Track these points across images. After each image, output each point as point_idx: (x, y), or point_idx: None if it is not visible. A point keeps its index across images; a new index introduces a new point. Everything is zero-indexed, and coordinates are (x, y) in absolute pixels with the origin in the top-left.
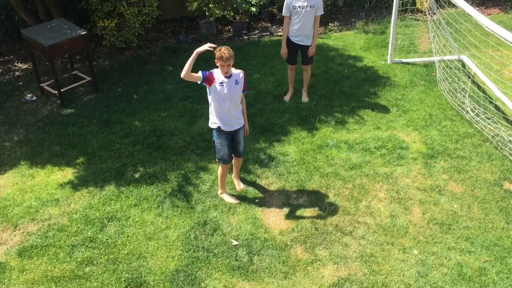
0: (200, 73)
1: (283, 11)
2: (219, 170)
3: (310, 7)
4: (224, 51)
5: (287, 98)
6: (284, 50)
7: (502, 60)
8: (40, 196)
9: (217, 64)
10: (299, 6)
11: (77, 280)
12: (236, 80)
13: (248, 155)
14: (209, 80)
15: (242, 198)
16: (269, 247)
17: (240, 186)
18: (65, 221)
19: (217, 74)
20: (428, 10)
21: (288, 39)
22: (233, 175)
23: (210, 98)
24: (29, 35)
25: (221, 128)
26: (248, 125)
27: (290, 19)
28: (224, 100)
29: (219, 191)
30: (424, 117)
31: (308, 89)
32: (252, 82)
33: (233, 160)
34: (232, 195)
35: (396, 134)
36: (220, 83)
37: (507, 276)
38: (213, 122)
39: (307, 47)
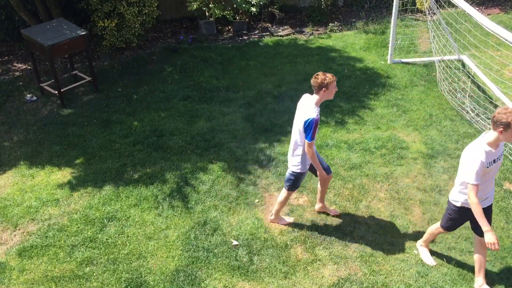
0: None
1: (474, 178)
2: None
3: (502, 154)
4: (327, 74)
5: None
6: (495, 240)
7: (502, 60)
8: (40, 196)
9: (326, 92)
10: (494, 161)
11: (77, 280)
12: None
13: (248, 155)
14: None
15: (242, 198)
16: (269, 247)
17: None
18: (65, 221)
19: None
20: (428, 10)
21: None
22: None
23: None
24: (29, 35)
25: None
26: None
27: None
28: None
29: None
30: (424, 117)
31: None
32: (252, 82)
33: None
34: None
35: (396, 134)
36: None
37: (507, 276)
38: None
39: (491, 204)
